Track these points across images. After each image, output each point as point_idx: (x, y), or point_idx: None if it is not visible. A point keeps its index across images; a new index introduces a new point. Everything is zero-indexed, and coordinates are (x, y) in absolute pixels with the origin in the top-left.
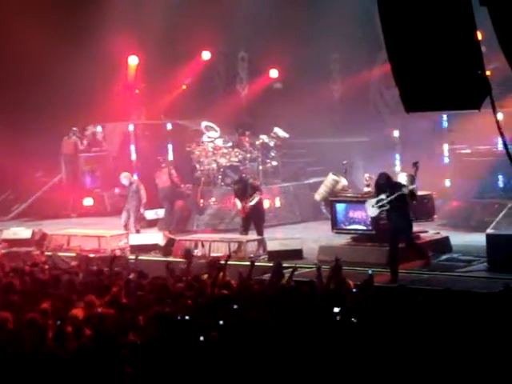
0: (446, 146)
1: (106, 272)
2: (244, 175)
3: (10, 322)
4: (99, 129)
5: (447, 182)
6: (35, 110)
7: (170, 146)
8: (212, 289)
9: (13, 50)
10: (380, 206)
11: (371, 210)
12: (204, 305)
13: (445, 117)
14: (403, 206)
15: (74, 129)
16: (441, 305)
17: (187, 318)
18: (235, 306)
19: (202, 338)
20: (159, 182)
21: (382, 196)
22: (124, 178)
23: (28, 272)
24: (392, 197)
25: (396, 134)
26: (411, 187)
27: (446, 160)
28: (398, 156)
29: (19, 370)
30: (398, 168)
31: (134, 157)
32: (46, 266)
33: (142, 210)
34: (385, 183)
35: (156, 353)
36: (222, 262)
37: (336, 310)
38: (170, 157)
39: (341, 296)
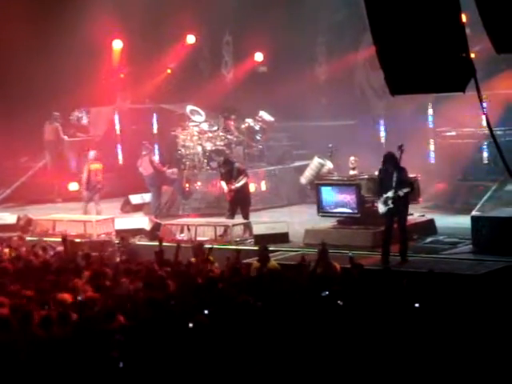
0: (430, 129)
1: (94, 257)
2: (230, 158)
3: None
4: (84, 113)
5: (432, 165)
6: (19, 95)
7: (155, 130)
8: (198, 272)
9: None
10: (386, 204)
11: (380, 207)
12: (191, 289)
13: (430, 99)
14: (406, 196)
15: (56, 114)
16: (425, 286)
17: (174, 302)
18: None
19: (190, 325)
20: (143, 170)
21: (389, 194)
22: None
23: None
24: (397, 194)
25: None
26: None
27: (431, 142)
28: (383, 136)
29: (5, 355)
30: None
31: (119, 142)
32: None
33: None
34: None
35: (145, 336)
36: (208, 246)
37: (324, 293)
38: (155, 141)
39: (327, 279)
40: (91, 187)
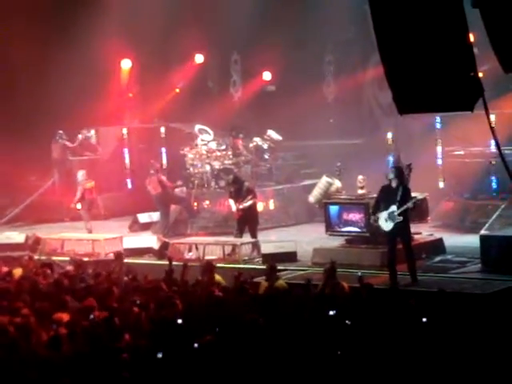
0: (439, 148)
1: (102, 275)
2: (239, 176)
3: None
4: (92, 133)
5: (440, 184)
6: (29, 114)
7: (163, 150)
8: (206, 292)
9: (3, 54)
10: (393, 219)
11: (385, 224)
12: (198, 308)
13: (438, 118)
14: (407, 214)
15: (60, 132)
16: (435, 306)
17: (181, 321)
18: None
19: (196, 345)
20: (151, 189)
21: (393, 208)
22: None
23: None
24: (401, 209)
25: (389, 136)
26: (414, 201)
27: (440, 162)
28: (391, 158)
29: (14, 375)
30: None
31: (127, 160)
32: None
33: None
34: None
35: (151, 356)
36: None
37: (331, 312)
38: (164, 160)
39: (335, 299)
40: (86, 205)
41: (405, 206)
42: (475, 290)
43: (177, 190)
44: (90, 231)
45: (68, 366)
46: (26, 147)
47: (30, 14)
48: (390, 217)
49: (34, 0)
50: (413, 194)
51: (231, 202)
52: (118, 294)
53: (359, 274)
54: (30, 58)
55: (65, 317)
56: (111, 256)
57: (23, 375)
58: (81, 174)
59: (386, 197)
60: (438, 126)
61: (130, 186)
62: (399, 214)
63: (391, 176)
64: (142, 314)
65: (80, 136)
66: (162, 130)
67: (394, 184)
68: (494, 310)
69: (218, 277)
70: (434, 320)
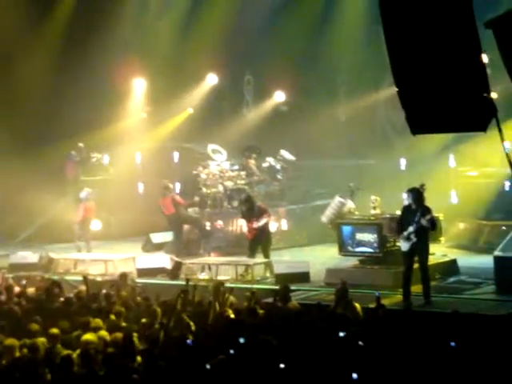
0: (452, 168)
1: (114, 296)
2: (251, 196)
3: (16, 348)
4: (105, 153)
5: (454, 204)
6: (42, 134)
7: (176, 170)
8: (219, 313)
9: (17, 75)
10: (409, 239)
11: (403, 245)
12: (210, 329)
13: (451, 139)
14: (426, 232)
15: (72, 152)
16: (449, 327)
17: (194, 341)
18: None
19: (208, 366)
20: (164, 209)
21: (410, 229)
22: None
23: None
24: (414, 229)
25: (403, 161)
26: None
27: (453, 182)
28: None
29: None
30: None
31: (140, 181)
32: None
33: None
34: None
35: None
36: (228, 285)
37: (341, 334)
38: (176, 180)
39: (347, 319)
40: (86, 225)
41: (417, 226)
42: (490, 312)
43: (190, 209)
44: (78, 250)
45: None
46: (39, 167)
47: (43, 35)
48: (408, 237)
49: (48, 20)
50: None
51: (243, 222)
52: (129, 314)
53: (377, 294)
54: (43, 79)
55: (90, 337)
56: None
57: None
58: (85, 193)
59: (406, 218)
60: (451, 146)
61: (142, 206)
62: (415, 235)
63: (410, 200)
64: (161, 334)
65: (93, 156)
66: (175, 150)
67: (413, 206)
68: (509, 332)
69: (231, 297)
70: (449, 341)
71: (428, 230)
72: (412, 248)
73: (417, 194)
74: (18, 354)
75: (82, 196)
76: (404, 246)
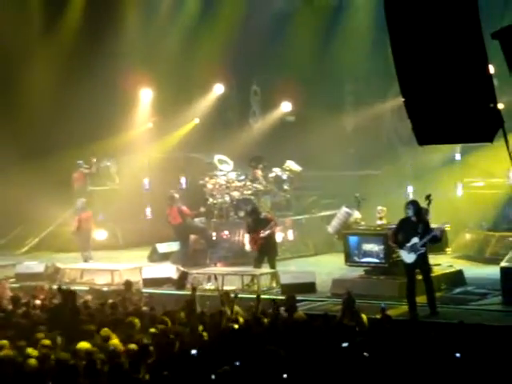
0: (458, 179)
1: (118, 306)
2: (257, 207)
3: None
4: (112, 162)
5: (460, 215)
6: (49, 144)
7: (183, 180)
8: (224, 323)
9: (25, 84)
10: (416, 251)
11: (408, 256)
12: (217, 339)
13: (458, 149)
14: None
15: (79, 162)
16: (455, 338)
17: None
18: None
19: (213, 377)
20: (171, 219)
21: (415, 240)
22: None
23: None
24: (425, 240)
25: (409, 167)
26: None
27: (459, 193)
28: (410, 189)
29: None
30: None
31: (147, 190)
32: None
33: None
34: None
35: None
36: (233, 295)
37: (344, 344)
38: (183, 190)
39: (353, 330)
40: (82, 235)
41: (427, 237)
42: (496, 323)
43: (196, 219)
44: (86, 260)
45: None
46: (45, 177)
47: (51, 43)
48: (413, 249)
49: (56, 29)
50: (433, 225)
51: (246, 236)
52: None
53: (382, 305)
54: (50, 88)
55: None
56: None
57: None
58: (80, 203)
59: (406, 229)
60: (458, 156)
61: (149, 215)
62: (422, 246)
63: (410, 213)
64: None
65: (101, 166)
66: (182, 160)
67: (413, 218)
68: None
69: (236, 307)
70: (456, 353)
71: (435, 241)
72: (416, 260)
73: (418, 206)
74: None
75: (76, 206)
76: (409, 257)
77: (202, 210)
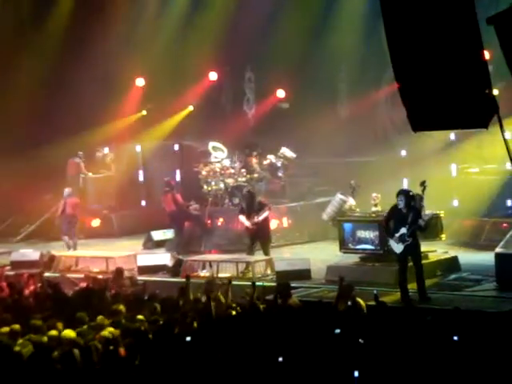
0: (453, 165)
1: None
2: (252, 191)
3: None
4: (107, 151)
5: (455, 201)
6: (43, 132)
7: (177, 167)
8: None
9: (17, 73)
10: (404, 241)
11: (397, 247)
12: (210, 326)
13: (452, 136)
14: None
15: (80, 153)
16: (450, 324)
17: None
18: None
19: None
20: (165, 206)
21: (403, 230)
22: None
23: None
24: (411, 230)
25: (403, 153)
26: (425, 220)
27: (454, 179)
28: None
29: None
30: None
31: (141, 178)
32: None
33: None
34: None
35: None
36: (220, 282)
37: (337, 331)
38: (178, 178)
39: (348, 316)
40: (66, 220)
41: (414, 227)
42: (491, 308)
43: (191, 207)
44: (69, 247)
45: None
46: (40, 165)
47: (42, 32)
48: (401, 239)
49: (48, 18)
50: (427, 212)
51: (242, 218)
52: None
53: (374, 291)
54: (43, 77)
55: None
56: (125, 274)
57: None
58: (67, 189)
59: (396, 218)
60: (453, 143)
61: (143, 203)
62: (409, 236)
63: (401, 205)
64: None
65: (96, 154)
66: (176, 147)
67: (404, 209)
68: (510, 329)
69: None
70: (451, 338)
71: (420, 230)
72: (406, 249)
73: (408, 196)
74: None
75: (64, 193)
76: (398, 247)
77: (192, 203)
